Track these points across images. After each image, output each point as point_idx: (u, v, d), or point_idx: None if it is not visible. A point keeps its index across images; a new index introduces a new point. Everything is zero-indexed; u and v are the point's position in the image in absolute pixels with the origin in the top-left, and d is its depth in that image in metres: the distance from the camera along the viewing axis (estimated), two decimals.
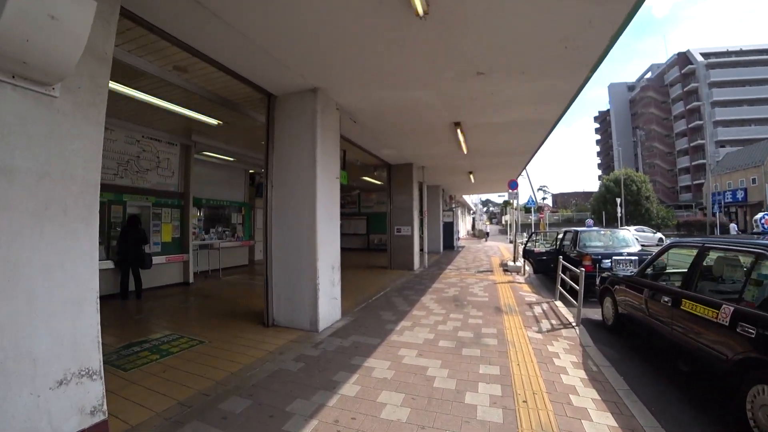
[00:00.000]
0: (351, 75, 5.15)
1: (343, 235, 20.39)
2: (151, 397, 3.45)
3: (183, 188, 9.75)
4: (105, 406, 2.81)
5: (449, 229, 20.70)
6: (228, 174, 12.62)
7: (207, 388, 3.61)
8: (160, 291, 8.60)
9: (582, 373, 3.91)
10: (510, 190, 13.21)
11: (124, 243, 7.70)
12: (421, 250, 13.04)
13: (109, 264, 7.88)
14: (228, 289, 9.03)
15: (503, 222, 73.15)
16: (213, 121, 7.73)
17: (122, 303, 7.46)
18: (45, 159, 2.57)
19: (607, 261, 7.22)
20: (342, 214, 20.87)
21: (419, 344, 4.81)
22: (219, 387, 3.65)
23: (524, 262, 11.51)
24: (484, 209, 77.60)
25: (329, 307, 5.71)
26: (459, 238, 24.86)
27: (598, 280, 6.51)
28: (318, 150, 5.49)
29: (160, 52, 4.81)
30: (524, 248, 11.80)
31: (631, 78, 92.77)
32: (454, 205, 26.36)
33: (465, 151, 9.56)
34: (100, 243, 7.08)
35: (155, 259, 8.62)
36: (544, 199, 76.30)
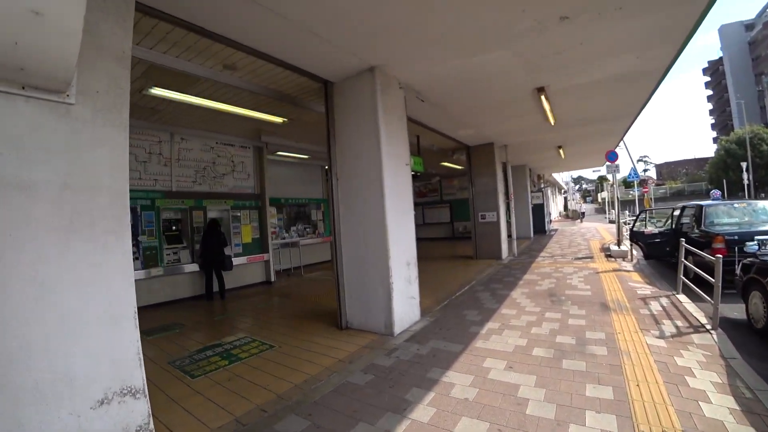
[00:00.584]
0: (409, 45, 4.49)
1: (425, 224, 20.01)
2: (210, 411, 3.26)
3: (259, 189, 9.89)
4: (151, 425, 2.66)
5: (539, 211, 19.05)
6: (304, 172, 12.69)
7: (267, 403, 3.33)
8: (243, 291, 8.79)
9: (730, 401, 2.87)
10: (608, 163, 11.54)
11: (205, 246, 7.93)
12: (509, 236, 11.98)
13: (195, 267, 8.20)
14: (308, 286, 8.97)
15: (599, 200, 67.06)
16: (278, 119, 7.60)
17: (206, 304, 7.74)
18: (66, 171, 2.40)
19: (752, 244, 5.69)
20: (423, 203, 20.55)
21: (509, 353, 4.06)
22: (279, 402, 3.33)
23: (631, 245, 9.94)
24: (576, 187, 71.61)
25: (406, 307, 5.19)
26: (551, 221, 22.91)
27: (738, 268, 5.16)
28: (382, 134, 4.95)
29: (205, 53, 4.64)
30: (631, 229, 10.21)
31: (748, 15, 77.62)
32: (543, 185, 24.39)
33: (552, 122, 8.37)
34: (184, 247, 7.43)
35: (237, 260, 8.84)
36: (645, 171, 68.44)
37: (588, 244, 13.42)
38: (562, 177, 47.51)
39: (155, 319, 6.57)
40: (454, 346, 4.38)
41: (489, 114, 7.98)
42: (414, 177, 14.19)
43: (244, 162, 9.65)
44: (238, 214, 9.39)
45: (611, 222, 26.85)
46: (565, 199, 55.52)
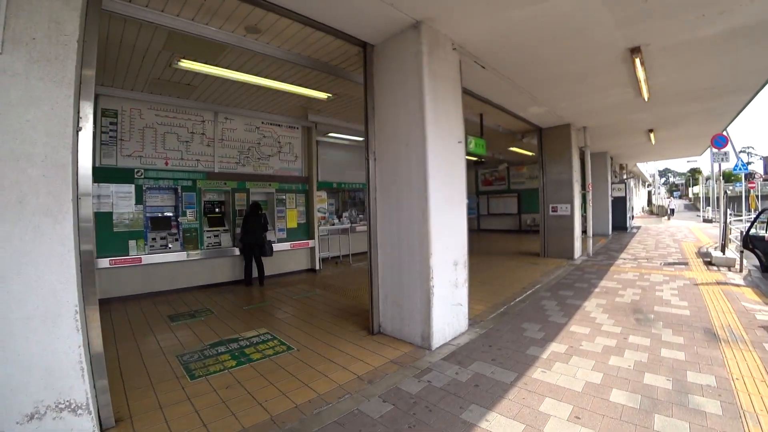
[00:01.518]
0: None
1: (490, 215, 18.60)
2: (187, 429, 2.69)
3: (307, 172, 9.34)
4: None
5: (621, 205, 16.86)
6: (359, 155, 11.99)
7: (255, 426, 2.72)
8: (284, 278, 8.36)
9: None
10: (714, 150, 9.58)
11: (245, 230, 7.58)
12: (584, 232, 10.48)
13: (235, 251, 7.87)
14: (353, 277, 8.32)
15: (690, 196, 60.02)
16: (322, 95, 6.92)
17: (243, 290, 7.44)
18: None
19: None
20: (489, 192, 19.09)
21: (576, 393, 3.02)
22: (269, 428, 2.65)
23: (741, 253, 8.09)
24: (662, 180, 64.67)
25: (449, 316, 4.29)
26: (633, 217, 20.41)
27: None
28: (427, 106, 4.04)
29: (223, 13, 4.01)
30: (745, 233, 8.33)
31: None
32: (626, 176, 21.83)
33: (646, 97, 6.86)
34: (225, 230, 7.04)
35: (280, 246, 8.42)
36: (749, 164, 60.11)
37: (680, 246, 11.44)
38: (647, 168, 42.88)
39: (187, 304, 6.38)
40: (503, 373, 3.42)
41: (566, 86, 6.67)
42: (478, 163, 13.05)
43: (292, 143, 9.15)
44: (284, 198, 8.93)
45: (706, 221, 23.57)
46: (649, 193, 50.44)
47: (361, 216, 11.83)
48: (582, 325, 4.61)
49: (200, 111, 7.76)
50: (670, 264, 8.47)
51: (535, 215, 16.91)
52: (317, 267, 9.14)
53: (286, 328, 4.97)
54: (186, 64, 5.36)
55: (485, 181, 19.66)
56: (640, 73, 5.60)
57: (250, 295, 6.97)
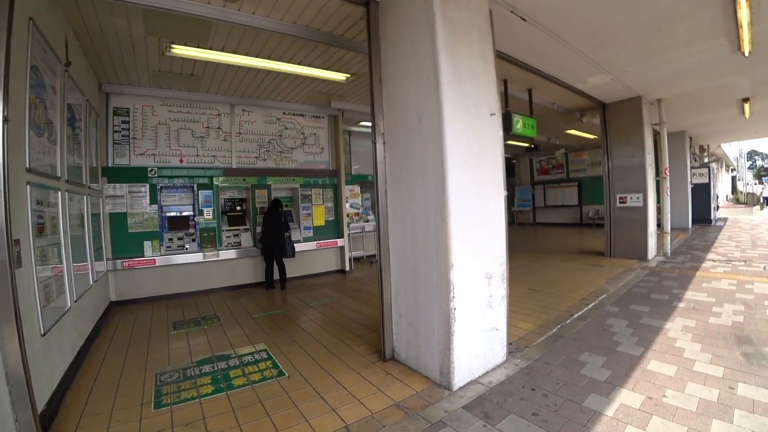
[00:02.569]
0: None
1: (546, 207, 16.92)
2: None
3: (335, 165, 8.56)
4: None
5: (703, 193, 14.50)
6: None
7: None
8: (310, 281, 7.66)
9: None
10: None
11: (265, 230, 6.99)
12: (659, 227, 8.85)
13: (256, 251, 7.28)
14: None
15: None
16: (339, 76, 6.12)
17: (262, 294, 6.88)
18: None
19: None
20: (545, 182, 17.32)
21: None
22: None
23: None
24: (748, 164, 57.54)
25: (479, 345, 3.26)
26: (718, 207, 17.75)
27: None
28: (442, 64, 3.03)
29: None
30: None
31: None
32: (707, 159, 19.10)
33: (747, 50, 5.31)
34: (246, 230, 6.53)
35: (305, 246, 7.73)
36: None
37: None
38: (730, 150, 38.01)
39: (199, 308, 6.00)
40: None
41: (635, 42, 5.27)
42: (531, 149, 11.59)
43: (317, 134, 8.39)
44: (309, 193, 8.23)
45: None
46: (734, 179, 44.93)
47: None
48: (665, 360, 3.38)
49: (215, 104, 7.26)
50: None
51: (598, 207, 15.06)
52: (347, 268, 8.34)
53: (287, 345, 4.22)
54: (179, 50, 4.93)
55: (541, 169, 17.91)
56: (743, 14, 4.16)
57: (267, 301, 6.36)
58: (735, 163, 42.23)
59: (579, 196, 16.33)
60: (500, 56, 5.31)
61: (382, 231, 3.66)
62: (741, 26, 4.59)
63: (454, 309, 3.01)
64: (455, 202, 3.01)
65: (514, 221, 18.51)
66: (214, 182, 7.21)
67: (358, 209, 9.56)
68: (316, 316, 5.30)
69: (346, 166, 9.26)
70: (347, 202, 8.94)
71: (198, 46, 4.99)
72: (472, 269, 3.18)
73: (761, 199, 25.53)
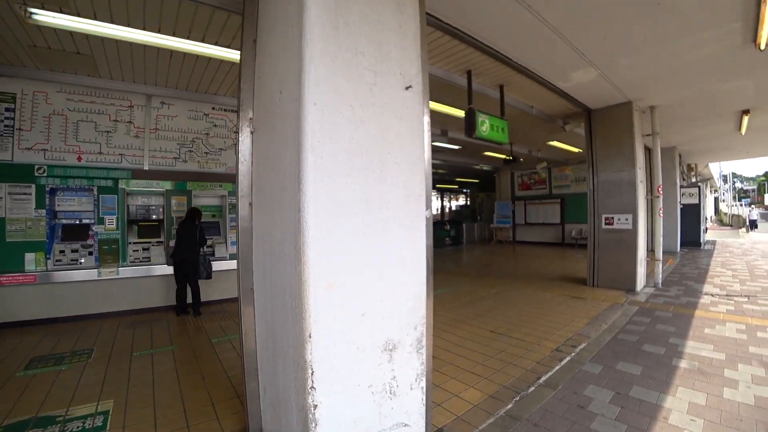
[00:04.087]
0: None
1: (527, 224, 15.68)
2: None
3: None
4: None
5: (692, 215, 13.56)
6: None
7: None
8: (234, 306, 6.36)
9: None
10: None
11: (177, 244, 5.72)
12: (651, 251, 7.76)
13: (170, 270, 6.00)
14: None
15: (766, 204, 53.33)
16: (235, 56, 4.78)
17: (170, 322, 5.62)
18: None
19: None
20: (526, 198, 16.13)
21: None
22: None
23: None
24: (726, 186, 58.21)
25: None
26: (706, 229, 16.87)
27: None
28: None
29: None
30: None
31: None
32: (696, 179, 18.35)
33: (763, 42, 4.30)
34: (159, 243, 5.16)
35: (231, 264, 6.44)
36: None
37: None
38: (718, 170, 37.74)
39: (76, 339, 4.82)
40: None
41: (626, 24, 4.17)
42: (509, 161, 10.49)
43: None
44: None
45: None
46: (716, 200, 44.92)
47: None
48: None
49: (127, 94, 6.04)
50: None
51: (582, 226, 14.03)
52: None
53: (140, 407, 3.07)
54: (41, 16, 3.82)
55: (522, 184, 16.84)
56: None
57: (167, 331, 5.12)
58: (718, 184, 42.15)
59: (562, 213, 15.26)
60: (457, 35, 4.17)
61: (243, 263, 2.43)
62: (764, 10, 3.52)
63: (314, 406, 1.76)
64: (321, 228, 1.78)
65: (492, 238, 17.38)
66: (120, 185, 5.93)
67: None
68: (207, 359, 4.06)
69: None
70: None
71: (60, 10, 3.80)
72: (356, 339, 1.94)
73: (748, 222, 24.90)
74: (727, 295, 6.43)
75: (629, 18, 4.02)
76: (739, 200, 61.83)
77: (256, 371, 2.44)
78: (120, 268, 5.83)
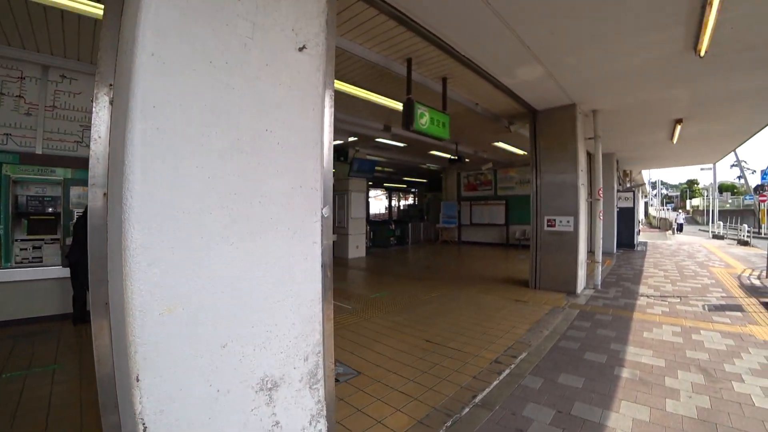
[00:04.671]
0: None
1: (473, 225, 15.65)
2: None
3: None
4: None
5: (628, 218, 14.20)
6: None
7: None
8: None
9: None
10: None
11: (73, 242, 4.93)
12: (591, 252, 7.81)
13: (66, 272, 5.17)
14: None
15: (687, 209, 58.03)
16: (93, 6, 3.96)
17: (60, 333, 4.79)
18: None
19: None
20: (472, 198, 16.13)
21: None
22: None
23: None
24: (654, 192, 63.11)
25: None
26: (639, 231, 17.76)
27: None
28: None
29: None
30: None
31: None
32: (630, 185, 19.32)
33: (703, 49, 4.26)
34: (53, 240, 4.36)
35: None
36: (739, 177, 58.28)
37: (711, 274, 8.75)
38: (649, 177, 40.53)
39: None
40: None
41: (574, 19, 3.96)
42: (454, 161, 10.31)
43: None
44: None
45: (717, 237, 21.07)
46: (646, 204, 48.32)
47: None
48: None
49: (17, 62, 5.09)
50: (716, 308, 5.77)
51: (525, 227, 14.22)
52: None
53: None
54: None
55: (468, 185, 16.88)
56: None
57: (56, 345, 4.32)
58: (648, 190, 45.28)
59: (506, 215, 15.42)
60: (398, 17, 3.77)
61: (95, 271, 1.85)
62: (711, 3, 3.40)
63: None
64: (153, 229, 1.27)
65: (438, 238, 17.30)
66: (4, 171, 5.01)
67: None
68: (94, 381, 3.35)
69: None
70: None
71: None
72: (215, 379, 1.44)
73: (675, 225, 26.71)
74: (661, 296, 6.51)
75: (578, 12, 3.79)
76: (665, 205, 66.91)
77: (116, 404, 1.87)
78: (3, 270, 4.94)
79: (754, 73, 5.33)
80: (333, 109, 1.86)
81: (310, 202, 1.66)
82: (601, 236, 7.25)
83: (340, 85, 5.82)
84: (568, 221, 6.73)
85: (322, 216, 1.73)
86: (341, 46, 4.40)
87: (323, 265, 1.74)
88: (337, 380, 3.45)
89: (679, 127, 8.62)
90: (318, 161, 1.71)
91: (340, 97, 6.65)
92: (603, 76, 5.48)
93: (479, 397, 3.12)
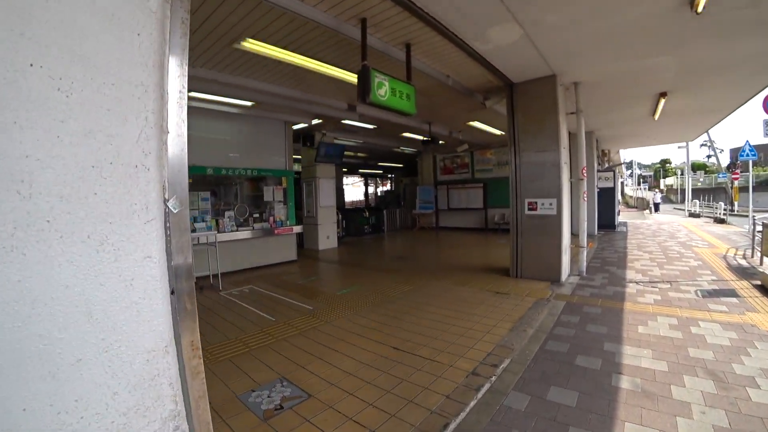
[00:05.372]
0: None
1: (450, 210, 14.93)
2: None
3: None
4: None
5: (608, 198, 13.83)
6: (252, 129, 8.49)
7: None
8: None
9: None
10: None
11: None
12: (575, 236, 7.33)
13: None
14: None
15: (661, 188, 59.15)
16: None
17: None
18: None
19: None
20: (449, 182, 15.37)
21: None
22: None
23: None
24: (628, 172, 64.18)
25: None
26: (619, 212, 17.55)
27: None
28: None
29: None
30: None
31: None
32: (608, 164, 19.10)
33: (700, 5, 3.72)
34: None
35: None
36: (709, 157, 59.67)
37: (697, 255, 8.40)
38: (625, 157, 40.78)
39: None
40: None
41: None
42: (428, 142, 9.53)
43: None
44: None
45: (693, 216, 21.12)
46: (622, 184, 48.99)
47: (255, 215, 8.44)
48: None
49: None
50: (710, 294, 5.33)
51: (504, 210, 13.76)
52: None
53: None
54: None
55: (445, 168, 16.26)
56: None
57: None
58: (622, 170, 45.73)
59: (484, 198, 14.89)
60: None
61: None
62: None
63: None
64: None
65: (415, 225, 16.71)
66: None
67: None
68: None
69: None
70: None
71: None
72: None
73: (652, 204, 26.81)
74: (650, 282, 6.06)
75: None
76: (639, 185, 67.97)
77: None
78: None
79: (753, 34, 4.79)
80: (188, 38, 1.17)
81: (130, 189, 0.98)
82: (586, 219, 6.73)
83: (289, 56, 5.07)
84: (550, 204, 6.18)
85: (166, 212, 1.05)
86: (281, 4, 3.65)
87: (175, 293, 1.06)
88: (280, 407, 2.81)
89: (662, 102, 8.14)
90: (151, 120, 1.03)
91: (292, 72, 5.88)
92: (587, 37, 4.86)
93: (452, 425, 2.51)
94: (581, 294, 5.57)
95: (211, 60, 5.41)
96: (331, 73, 5.61)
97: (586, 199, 6.65)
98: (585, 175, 6.55)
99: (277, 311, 5.23)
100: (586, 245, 6.75)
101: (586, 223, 6.77)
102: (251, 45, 4.74)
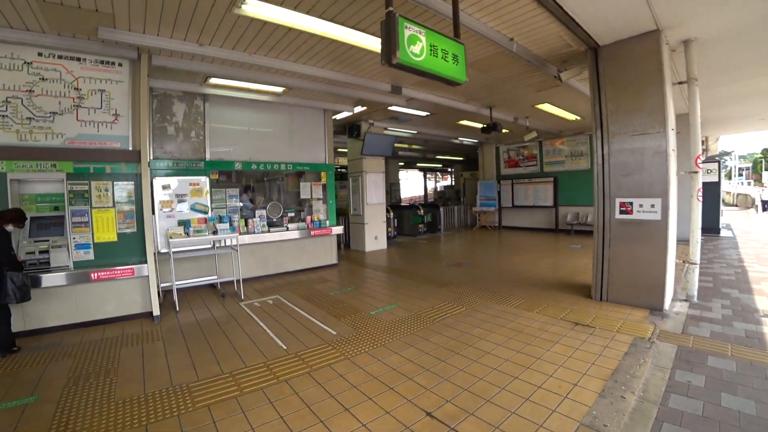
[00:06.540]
0: None
1: (515, 208, 12.30)
2: None
3: (138, 142, 4.99)
4: None
5: (712, 195, 11.37)
6: (286, 119, 7.64)
7: None
8: (75, 335, 4.45)
9: None
10: None
11: None
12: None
13: None
14: (196, 340, 4.07)
15: (764, 182, 51.48)
16: None
17: None
18: None
19: None
20: (513, 176, 13.27)
21: None
22: None
23: None
24: (727, 164, 56.59)
25: None
26: (722, 211, 14.68)
27: None
28: None
29: None
30: None
31: None
32: (712, 153, 16.31)
33: None
34: None
35: (75, 275, 4.34)
36: None
37: None
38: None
39: None
40: None
41: None
42: (489, 129, 7.37)
43: (107, 91, 4.85)
44: (86, 188, 4.72)
45: None
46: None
47: (288, 214, 7.65)
48: None
49: None
50: None
51: (578, 209, 11.87)
52: (154, 311, 4.88)
53: None
54: None
55: (509, 161, 14.48)
56: None
57: None
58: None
59: (555, 195, 13.00)
60: None
61: None
62: None
63: None
64: None
65: (475, 224, 15.14)
66: None
67: (206, 213, 6.12)
68: None
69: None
70: (185, 202, 5.62)
71: None
72: None
73: (760, 202, 22.81)
74: None
75: None
76: (737, 179, 59.84)
77: None
78: None
79: None
80: None
81: None
82: (699, 227, 5.05)
83: (302, 20, 4.04)
84: (652, 205, 4.62)
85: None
86: None
87: None
88: None
89: None
90: None
91: (316, 44, 4.86)
92: None
93: None
94: (698, 333, 4.01)
95: (217, 34, 4.54)
96: (358, 42, 4.53)
97: (701, 198, 4.98)
98: (700, 166, 4.88)
99: (293, 335, 4.28)
100: (698, 260, 5.08)
101: (699, 231, 5.09)
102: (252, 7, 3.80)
